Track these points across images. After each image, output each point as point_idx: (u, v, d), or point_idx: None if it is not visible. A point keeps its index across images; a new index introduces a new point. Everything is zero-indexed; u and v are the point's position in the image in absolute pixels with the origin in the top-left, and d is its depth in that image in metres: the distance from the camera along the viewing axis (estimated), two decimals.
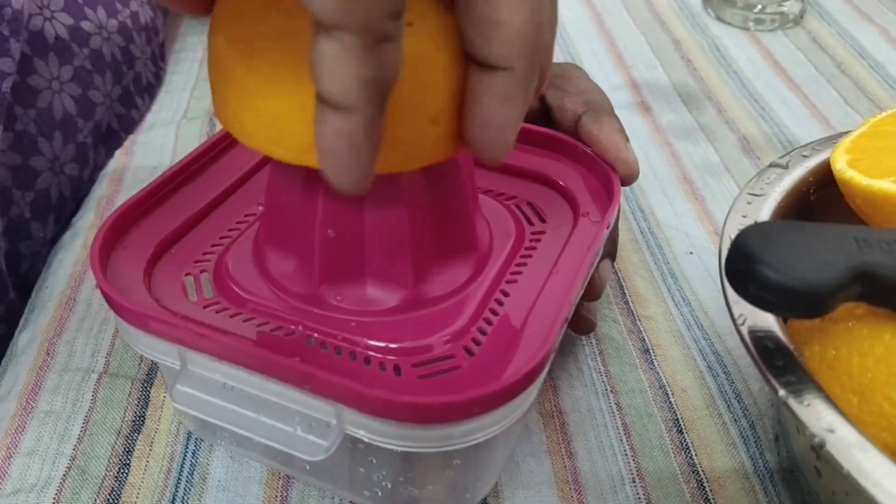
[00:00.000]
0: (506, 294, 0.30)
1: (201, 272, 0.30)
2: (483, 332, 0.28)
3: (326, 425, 0.25)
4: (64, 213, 0.47)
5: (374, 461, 0.29)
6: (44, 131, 0.44)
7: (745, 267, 0.25)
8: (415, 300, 0.29)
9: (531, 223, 0.33)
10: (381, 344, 0.27)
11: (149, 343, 0.28)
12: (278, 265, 0.30)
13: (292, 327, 0.28)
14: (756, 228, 0.25)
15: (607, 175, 0.33)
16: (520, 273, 0.31)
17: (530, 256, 0.31)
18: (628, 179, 0.33)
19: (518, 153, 0.35)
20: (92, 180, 0.49)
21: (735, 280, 0.25)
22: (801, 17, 0.68)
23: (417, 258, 0.28)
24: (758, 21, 0.66)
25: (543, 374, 0.26)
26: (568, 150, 0.35)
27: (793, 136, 0.53)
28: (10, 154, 0.43)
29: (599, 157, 0.34)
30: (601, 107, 0.34)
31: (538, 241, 0.32)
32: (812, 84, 0.59)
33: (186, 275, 0.30)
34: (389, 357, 0.27)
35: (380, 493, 0.30)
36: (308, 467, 0.32)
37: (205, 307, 0.29)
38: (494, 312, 0.29)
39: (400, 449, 0.25)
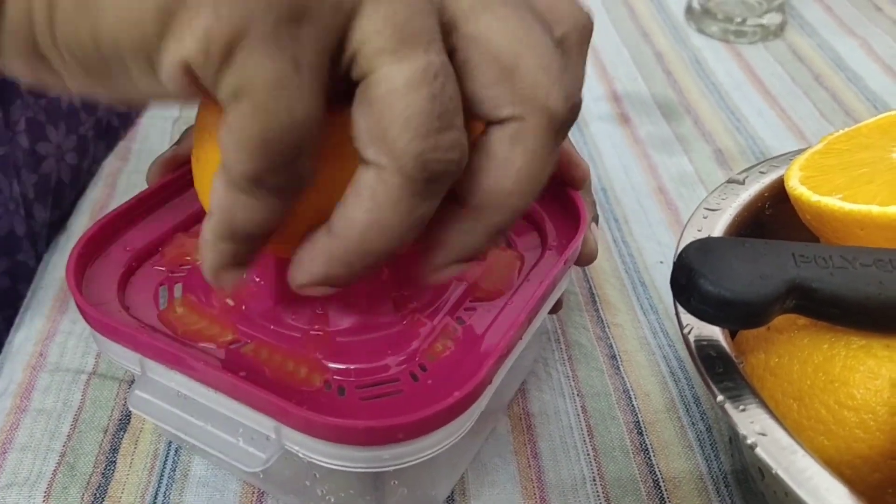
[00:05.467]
0: (461, 322, 0.30)
1: (176, 282, 0.31)
2: (432, 359, 0.28)
3: (266, 439, 0.26)
4: (60, 198, 0.50)
5: (317, 476, 0.30)
6: (52, 120, 0.47)
7: (686, 281, 0.26)
8: (367, 323, 0.29)
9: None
10: (330, 364, 0.28)
11: (112, 349, 0.29)
12: (243, 280, 0.30)
13: (248, 341, 0.29)
14: (698, 244, 0.27)
15: (577, 210, 0.33)
16: (480, 301, 0.31)
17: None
18: (581, 183, 0.34)
19: None
20: (90, 172, 0.52)
21: (679, 293, 0.27)
22: (782, 29, 0.69)
23: (370, 284, 0.29)
24: (738, 34, 0.67)
25: (477, 404, 0.26)
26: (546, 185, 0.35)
27: (766, 148, 0.55)
28: None
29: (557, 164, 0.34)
30: None
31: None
32: (789, 96, 0.61)
33: (161, 284, 0.31)
34: (336, 377, 0.28)
35: None
36: (262, 475, 0.32)
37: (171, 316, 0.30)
38: (446, 339, 0.29)
39: (332, 467, 0.26)
